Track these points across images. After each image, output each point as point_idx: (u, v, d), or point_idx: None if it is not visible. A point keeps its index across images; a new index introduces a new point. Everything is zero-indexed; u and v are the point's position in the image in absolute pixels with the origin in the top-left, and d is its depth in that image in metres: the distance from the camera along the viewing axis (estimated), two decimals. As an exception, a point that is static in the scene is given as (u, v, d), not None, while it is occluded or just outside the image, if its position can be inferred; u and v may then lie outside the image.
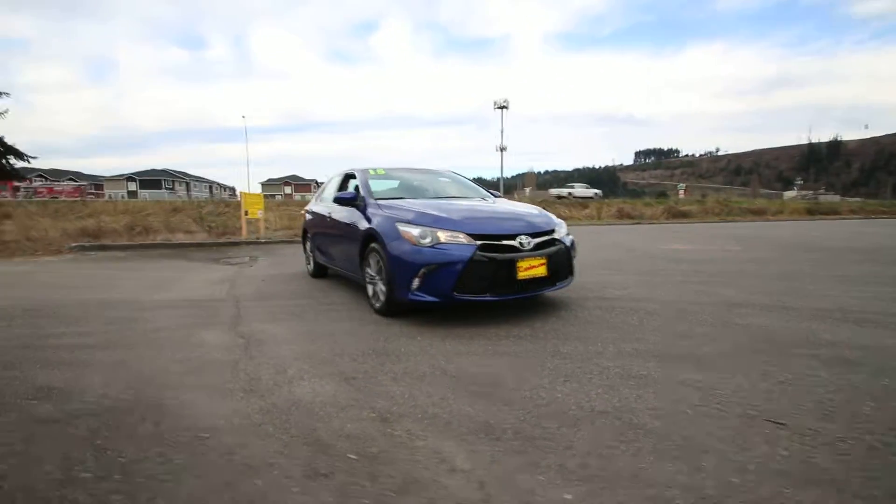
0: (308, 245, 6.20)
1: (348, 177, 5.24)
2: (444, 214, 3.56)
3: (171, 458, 1.63)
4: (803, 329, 3.11)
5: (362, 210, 4.22)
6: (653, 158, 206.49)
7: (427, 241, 3.32)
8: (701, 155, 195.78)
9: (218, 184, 70.48)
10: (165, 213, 15.55)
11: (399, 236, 3.45)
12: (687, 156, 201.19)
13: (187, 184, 58.98)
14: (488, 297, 3.31)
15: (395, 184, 4.79)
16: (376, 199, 4.20)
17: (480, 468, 1.57)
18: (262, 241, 12.04)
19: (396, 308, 3.61)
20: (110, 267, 7.18)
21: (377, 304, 3.78)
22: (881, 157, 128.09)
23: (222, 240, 11.84)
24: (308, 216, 6.17)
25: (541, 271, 3.42)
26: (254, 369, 2.58)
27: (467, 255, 3.23)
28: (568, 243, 3.79)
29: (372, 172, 4.77)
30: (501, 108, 55.23)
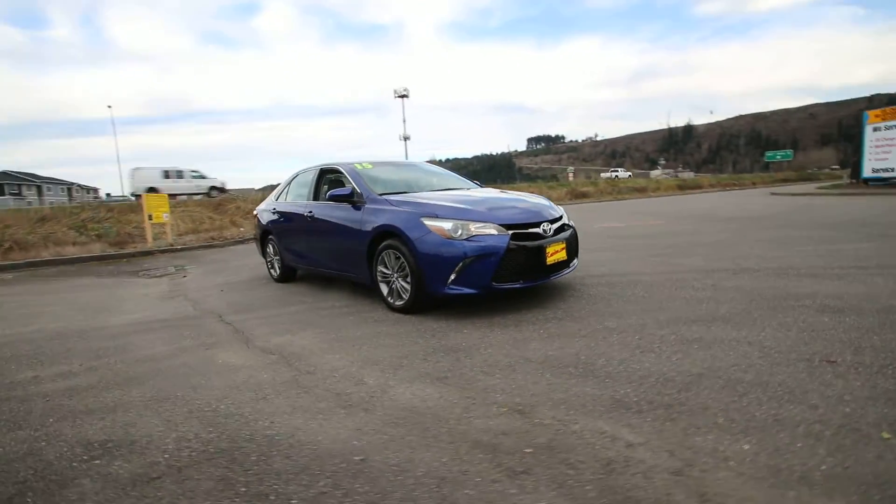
0: (270, 248, 5.72)
1: (325, 172, 4.93)
2: (467, 207, 3.56)
3: (355, 489, 1.49)
4: (777, 286, 3.73)
5: (362, 207, 4.03)
6: (543, 144, 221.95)
7: (460, 234, 3.31)
8: (583, 140, 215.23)
9: (78, 185, 59.90)
10: (30, 224, 13.05)
11: (428, 231, 3.38)
12: (572, 141, 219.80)
13: (38, 187, 49.24)
14: (521, 284, 3.42)
15: (384, 177, 4.62)
16: (381, 194, 4.04)
17: (654, 439, 1.69)
18: (178, 247, 10.75)
19: (423, 304, 3.56)
20: (8, 292, 5.89)
21: (398, 302, 3.67)
22: (724, 138, 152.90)
23: (128, 250, 10.36)
24: (268, 216, 5.68)
25: (562, 255, 3.62)
26: (325, 384, 2.40)
27: (503, 245, 3.30)
28: (573, 226, 4.04)
29: (360, 167, 4.55)
30: (402, 96, 54.71)
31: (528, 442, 1.72)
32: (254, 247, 11.34)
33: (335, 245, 4.40)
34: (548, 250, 3.48)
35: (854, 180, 18.95)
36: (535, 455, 1.64)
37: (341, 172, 4.53)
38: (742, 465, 1.51)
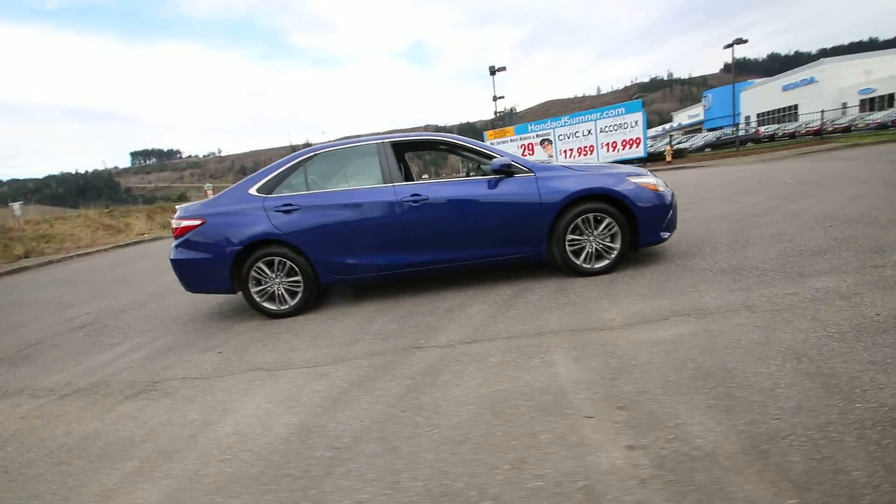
0: (264, 269, 3.84)
1: (405, 146, 3.88)
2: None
3: None
4: (790, 210, 6.06)
5: (530, 178, 3.71)
6: (154, 160, 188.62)
7: (662, 187, 3.84)
8: (205, 156, 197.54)
9: None
10: None
11: (641, 188, 3.69)
12: (191, 157, 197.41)
13: None
14: (669, 229, 4.32)
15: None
16: (542, 163, 3.83)
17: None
18: None
19: (621, 260, 3.80)
20: None
21: (599, 264, 3.73)
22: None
23: None
24: (267, 219, 3.75)
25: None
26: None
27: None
28: None
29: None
30: None
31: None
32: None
33: (482, 226, 3.70)
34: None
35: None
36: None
37: (463, 144, 3.80)
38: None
